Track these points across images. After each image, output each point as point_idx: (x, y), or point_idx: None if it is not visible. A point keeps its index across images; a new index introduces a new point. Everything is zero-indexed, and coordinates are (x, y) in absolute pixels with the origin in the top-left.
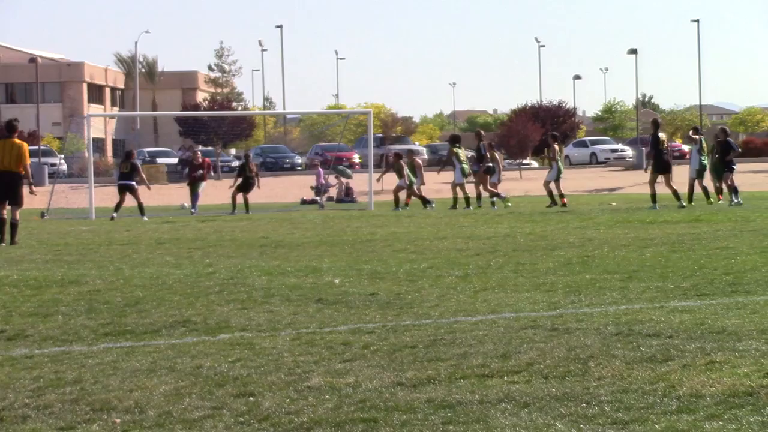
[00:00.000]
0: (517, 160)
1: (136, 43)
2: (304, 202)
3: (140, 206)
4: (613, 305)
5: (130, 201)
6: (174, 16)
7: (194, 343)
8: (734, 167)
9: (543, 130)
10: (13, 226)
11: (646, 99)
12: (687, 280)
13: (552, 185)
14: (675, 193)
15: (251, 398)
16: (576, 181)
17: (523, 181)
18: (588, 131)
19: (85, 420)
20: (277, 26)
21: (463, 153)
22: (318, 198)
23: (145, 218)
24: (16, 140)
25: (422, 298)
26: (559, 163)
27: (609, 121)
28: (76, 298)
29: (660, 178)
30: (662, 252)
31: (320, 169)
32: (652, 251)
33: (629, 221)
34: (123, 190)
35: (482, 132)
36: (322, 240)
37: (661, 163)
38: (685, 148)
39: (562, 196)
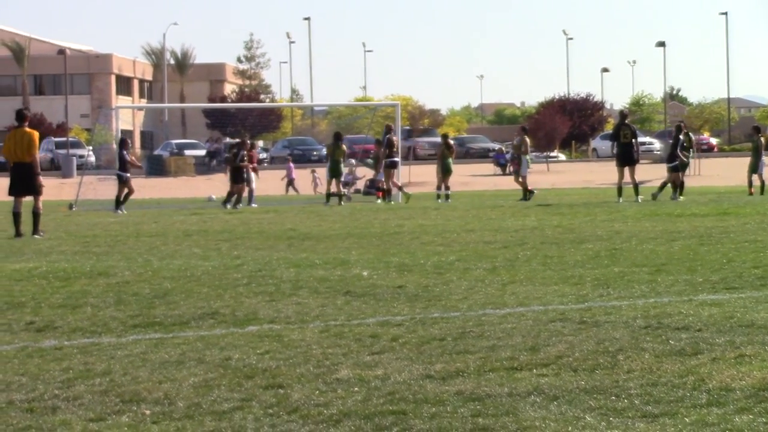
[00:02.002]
0: (545, 153)
1: (164, 35)
2: (330, 194)
3: (117, 198)
4: (642, 298)
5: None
6: (202, 8)
7: (223, 335)
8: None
9: (571, 122)
10: (35, 215)
11: (674, 92)
12: (716, 273)
13: (524, 178)
14: (636, 186)
15: (280, 390)
16: (603, 174)
17: (550, 174)
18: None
19: (114, 411)
20: (305, 18)
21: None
22: (345, 190)
23: (119, 212)
24: (27, 129)
25: (450, 291)
26: (528, 156)
27: (637, 114)
28: (104, 289)
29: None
30: (690, 245)
31: (290, 164)
32: (680, 244)
33: (657, 214)
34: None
35: (391, 126)
36: (350, 232)
37: (623, 156)
38: (714, 141)
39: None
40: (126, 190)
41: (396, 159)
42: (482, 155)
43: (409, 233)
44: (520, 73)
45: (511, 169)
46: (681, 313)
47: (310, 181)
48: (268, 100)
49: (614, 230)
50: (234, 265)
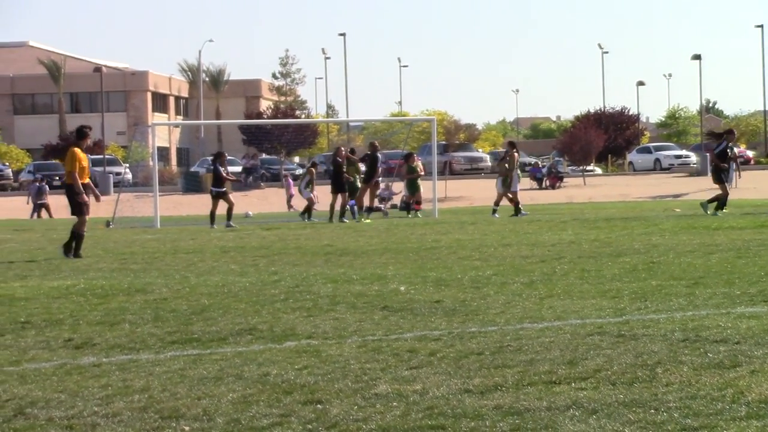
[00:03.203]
0: (581, 167)
1: (200, 51)
2: (369, 209)
3: (211, 213)
4: (680, 311)
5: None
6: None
7: (261, 350)
8: None
9: (606, 136)
10: (72, 235)
11: (710, 105)
12: (753, 285)
13: (515, 194)
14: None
15: (319, 406)
16: (640, 188)
17: (587, 188)
18: (652, 137)
19: (153, 428)
20: (340, 34)
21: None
22: (382, 206)
23: (231, 224)
24: (72, 147)
25: (488, 305)
26: (516, 170)
27: (673, 127)
28: (142, 306)
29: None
30: (728, 258)
31: (290, 180)
32: (717, 257)
33: (694, 227)
34: None
35: (375, 143)
36: (387, 247)
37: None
38: (750, 153)
39: (511, 200)
40: (227, 205)
41: (377, 178)
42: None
43: (446, 248)
44: (556, 87)
45: (547, 183)
46: (719, 326)
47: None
48: (303, 116)
49: (651, 244)
50: (271, 281)
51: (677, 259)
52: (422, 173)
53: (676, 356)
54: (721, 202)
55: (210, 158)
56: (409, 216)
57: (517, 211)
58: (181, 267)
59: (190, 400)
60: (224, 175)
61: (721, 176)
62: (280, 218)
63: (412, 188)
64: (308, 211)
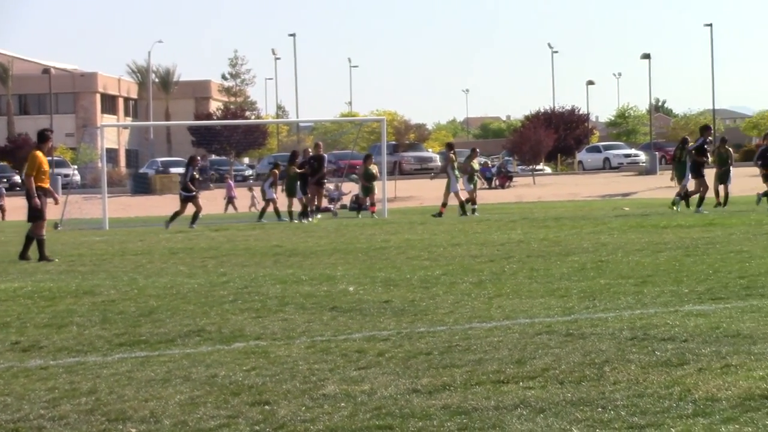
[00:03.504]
0: (531, 166)
1: (149, 53)
2: (318, 210)
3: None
4: (628, 310)
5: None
6: (187, 25)
7: (209, 352)
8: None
9: (556, 135)
10: (28, 241)
11: (660, 104)
12: (701, 284)
13: (456, 194)
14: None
15: (267, 407)
16: (590, 187)
17: (536, 187)
18: (601, 136)
19: (100, 431)
20: (290, 35)
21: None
22: (331, 206)
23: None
24: (34, 151)
25: (437, 305)
26: (456, 171)
27: (622, 126)
28: (90, 308)
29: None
30: (676, 256)
31: (230, 182)
32: (666, 255)
33: (643, 226)
34: None
35: (319, 144)
36: (336, 248)
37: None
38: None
39: (444, 204)
40: (195, 209)
41: (324, 180)
42: (467, 169)
43: (396, 248)
44: (506, 87)
45: (497, 182)
46: (667, 324)
47: (249, 198)
48: (253, 116)
49: (600, 242)
50: (220, 283)
51: (626, 257)
52: (378, 177)
53: (623, 355)
54: (696, 198)
55: (159, 161)
56: (359, 216)
57: (464, 209)
58: (129, 269)
59: (138, 402)
60: (189, 182)
61: (701, 171)
62: (229, 219)
63: (366, 191)
64: (277, 212)
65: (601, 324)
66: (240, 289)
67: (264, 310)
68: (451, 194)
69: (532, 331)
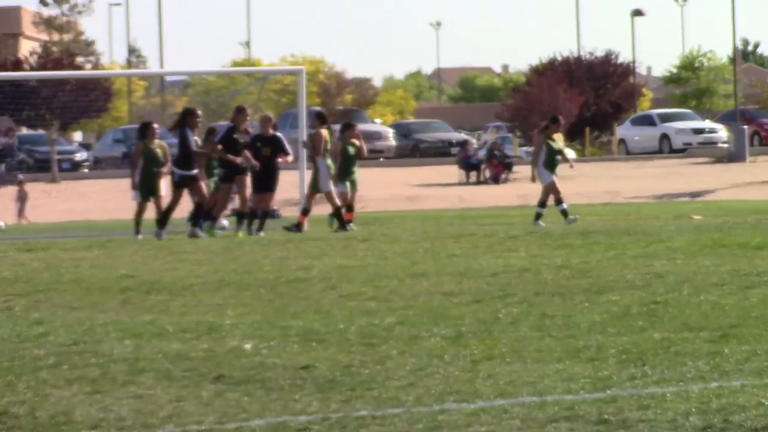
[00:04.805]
0: None
1: None
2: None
3: None
4: (699, 382)
5: None
6: None
7: None
8: None
9: (583, 97)
10: None
11: (750, 48)
12: None
13: (335, 194)
14: None
15: None
16: (637, 181)
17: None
18: (656, 99)
19: None
20: None
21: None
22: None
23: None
24: None
25: (388, 374)
26: (327, 159)
27: (690, 84)
28: None
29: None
30: None
31: (20, 177)
32: (760, 293)
33: (723, 245)
34: None
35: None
36: (224, 279)
37: None
38: None
39: (350, 209)
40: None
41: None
42: (440, 152)
43: (321, 280)
44: (501, 19)
45: (487, 174)
46: (761, 404)
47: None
48: (90, 65)
49: (654, 272)
50: (34, 336)
51: (695, 297)
52: (365, 155)
53: None
54: None
55: None
56: (344, 230)
57: (342, 223)
58: None
59: None
60: None
61: None
62: (53, 231)
63: (344, 178)
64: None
65: (656, 405)
66: (66, 346)
67: (105, 382)
68: (321, 195)
69: (544, 417)
